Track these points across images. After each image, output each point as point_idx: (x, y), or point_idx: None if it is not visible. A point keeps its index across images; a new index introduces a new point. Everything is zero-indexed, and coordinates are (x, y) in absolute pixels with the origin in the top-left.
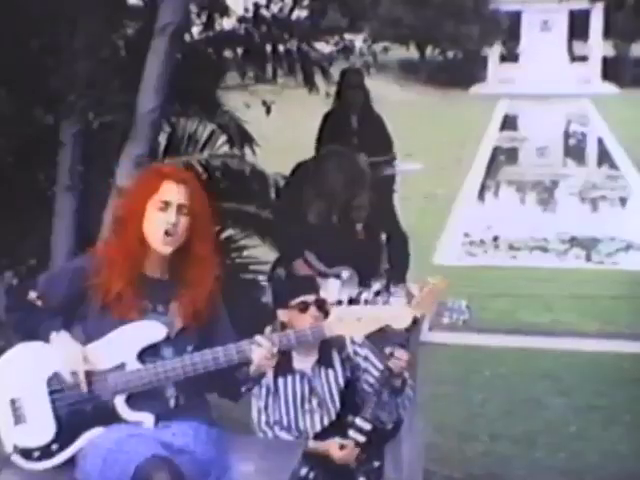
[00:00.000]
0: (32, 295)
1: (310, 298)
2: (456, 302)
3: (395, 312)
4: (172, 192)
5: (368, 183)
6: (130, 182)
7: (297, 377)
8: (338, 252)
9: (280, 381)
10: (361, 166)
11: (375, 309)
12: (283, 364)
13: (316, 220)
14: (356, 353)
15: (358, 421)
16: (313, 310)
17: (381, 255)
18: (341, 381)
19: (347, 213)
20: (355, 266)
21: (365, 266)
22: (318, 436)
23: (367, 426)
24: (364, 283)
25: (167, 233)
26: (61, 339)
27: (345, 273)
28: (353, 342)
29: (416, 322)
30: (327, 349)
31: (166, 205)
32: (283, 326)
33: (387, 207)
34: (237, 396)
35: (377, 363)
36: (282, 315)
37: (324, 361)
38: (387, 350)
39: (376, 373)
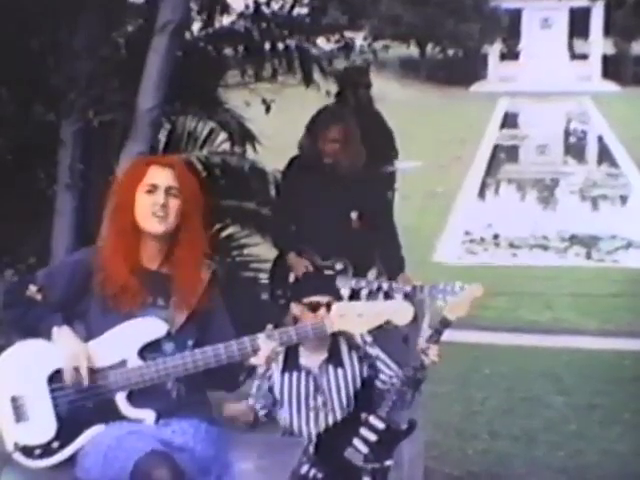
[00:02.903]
0: (32, 289)
1: (324, 299)
2: (449, 284)
3: (396, 307)
4: (159, 175)
5: (352, 128)
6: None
7: (302, 374)
8: (333, 243)
9: (286, 376)
10: (348, 114)
11: (376, 305)
12: (290, 360)
13: (300, 152)
14: (368, 353)
15: (372, 419)
16: (323, 311)
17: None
18: (350, 380)
19: (321, 143)
20: (350, 257)
21: (360, 257)
22: (327, 434)
23: (381, 425)
24: (359, 275)
25: (156, 214)
26: (63, 334)
27: (339, 265)
28: (365, 342)
29: (447, 325)
30: (337, 348)
31: (154, 188)
32: (295, 319)
33: (382, 206)
34: (233, 387)
35: (389, 362)
36: (295, 308)
37: (333, 360)
38: (421, 346)
39: (390, 372)
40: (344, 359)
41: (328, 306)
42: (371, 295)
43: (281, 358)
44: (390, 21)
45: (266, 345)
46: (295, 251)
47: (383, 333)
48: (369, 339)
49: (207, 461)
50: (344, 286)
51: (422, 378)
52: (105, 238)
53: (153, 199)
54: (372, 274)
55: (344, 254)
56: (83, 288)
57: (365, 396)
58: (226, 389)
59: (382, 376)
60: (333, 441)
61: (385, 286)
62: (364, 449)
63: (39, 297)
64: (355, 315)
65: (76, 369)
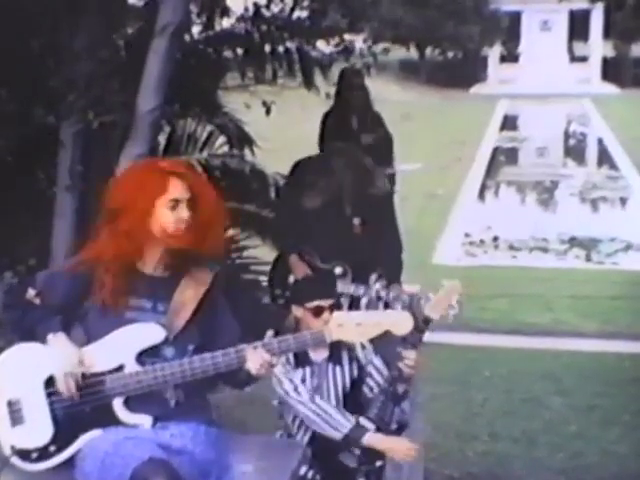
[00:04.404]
0: (30, 293)
1: (326, 303)
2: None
3: (395, 317)
4: (179, 189)
5: (374, 180)
6: (125, 175)
7: (315, 368)
8: (335, 247)
9: (299, 372)
10: (366, 163)
11: (375, 314)
12: (301, 356)
13: (319, 208)
14: (361, 356)
15: (362, 421)
16: (326, 315)
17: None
18: (347, 379)
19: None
20: (350, 261)
21: (361, 262)
22: (322, 436)
23: (371, 426)
24: (359, 279)
25: (183, 228)
26: (58, 341)
27: (338, 269)
28: (363, 346)
29: (428, 323)
30: (337, 347)
31: (176, 203)
32: (297, 320)
33: (388, 208)
34: (242, 384)
35: (382, 368)
36: (296, 310)
37: (334, 358)
38: (398, 350)
39: (379, 378)
40: (343, 358)
41: (331, 308)
42: (371, 304)
43: (291, 356)
44: (390, 24)
45: (263, 356)
46: (297, 253)
47: (381, 336)
48: (367, 344)
49: (206, 464)
50: (343, 291)
51: (403, 394)
52: (96, 240)
53: (177, 214)
54: (372, 278)
55: (344, 258)
56: (83, 292)
57: (355, 397)
58: (237, 386)
59: (369, 380)
60: (328, 443)
61: (383, 294)
62: (357, 451)
63: (37, 301)
64: (354, 325)
65: (67, 377)
